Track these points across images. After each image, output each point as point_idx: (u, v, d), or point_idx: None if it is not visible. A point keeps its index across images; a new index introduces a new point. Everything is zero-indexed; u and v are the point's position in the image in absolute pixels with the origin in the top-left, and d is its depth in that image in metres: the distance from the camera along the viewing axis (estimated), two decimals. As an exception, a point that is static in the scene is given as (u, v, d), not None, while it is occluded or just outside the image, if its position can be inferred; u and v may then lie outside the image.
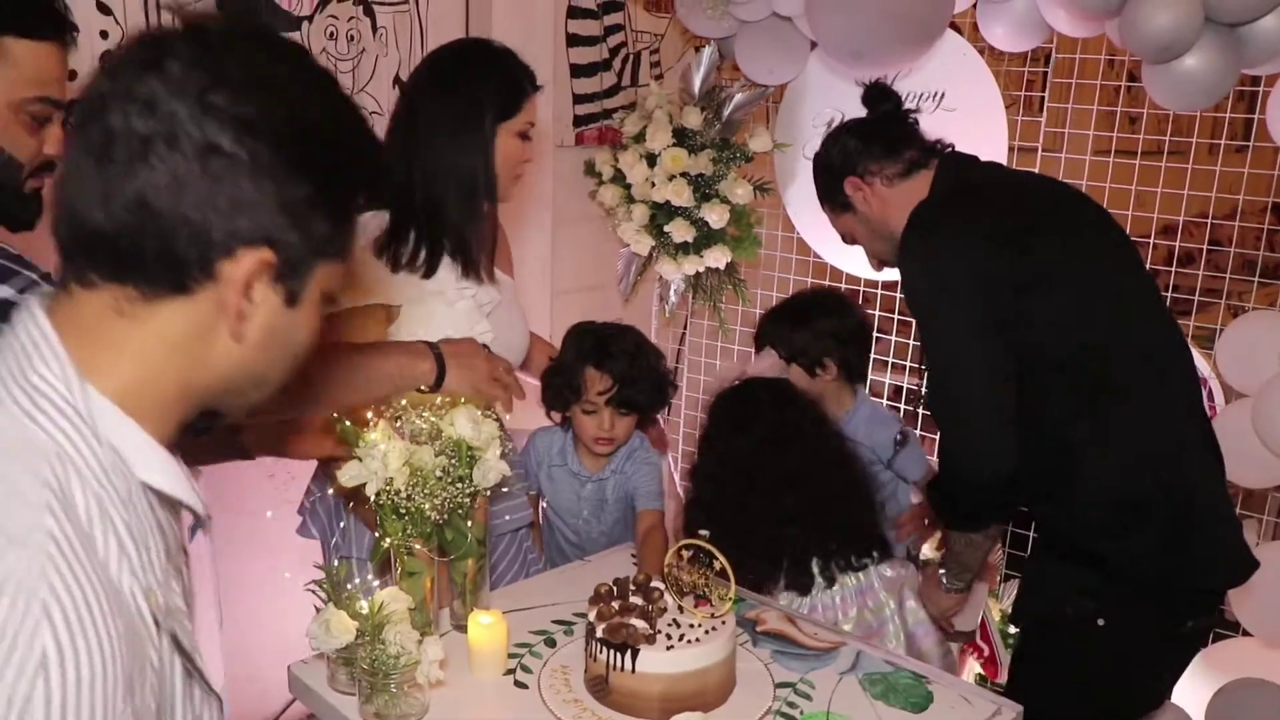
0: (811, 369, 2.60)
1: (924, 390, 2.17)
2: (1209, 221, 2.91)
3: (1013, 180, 2.21)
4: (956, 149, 2.20)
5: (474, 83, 2.06)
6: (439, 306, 2.06)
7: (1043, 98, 3.19)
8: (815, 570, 2.24)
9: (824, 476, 2.27)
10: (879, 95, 2.23)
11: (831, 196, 2.24)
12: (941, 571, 2.25)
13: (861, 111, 3.03)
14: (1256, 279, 2.89)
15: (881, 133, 2.17)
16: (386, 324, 2.04)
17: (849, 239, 2.31)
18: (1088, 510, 1.95)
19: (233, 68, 0.87)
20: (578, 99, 3.58)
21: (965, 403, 1.96)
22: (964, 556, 2.17)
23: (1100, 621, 1.95)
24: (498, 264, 2.25)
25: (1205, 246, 2.85)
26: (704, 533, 1.72)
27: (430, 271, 2.06)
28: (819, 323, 2.63)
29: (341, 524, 2.18)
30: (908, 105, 2.24)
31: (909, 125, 2.20)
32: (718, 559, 1.71)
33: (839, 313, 2.69)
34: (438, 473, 1.72)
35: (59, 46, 1.47)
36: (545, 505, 2.70)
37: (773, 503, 2.22)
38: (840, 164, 2.19)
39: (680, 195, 3.26)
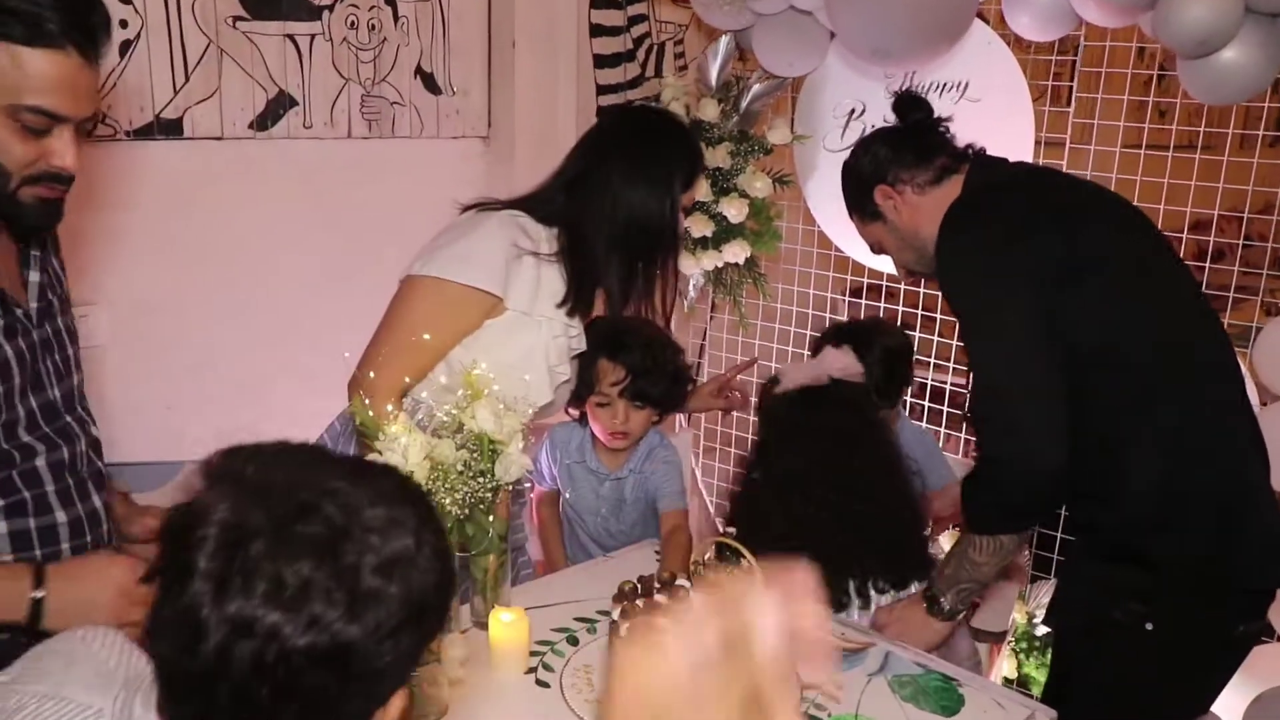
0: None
1: (970, 391, 2.08)
2: (1243, 216, 2.85)
3: (1044, 175, 2.18)
4: (986, 152, 2.17)
5: (671, 145, 2.19)
6: (530, 333, 2.09)
7: (1070, 88, 3.14)
8: (852, 589, 2.14)
9: (884, 489, 2.18)
10: (911, 104, 2.21)
11: (861, 205, 2.23)
12: (935, 594, 2.08)
13: (883, 100, 3.02)
14: (1265, 271, 2.83)
15: (912, 141, 2.15)
16: (485, 318, 2.06)
17: (877, 248, 2.28)
18: (1135, 506, 1.89)
19: None
20: (601, 90, 3.54)
21: (1019, 397, 1.89)
22: (981, 570, 2.02)
23: (1149, 625, 1.89)
24: None
25: (1240, 241, 2.79)
26: (731, 530, 1.68)
27: (565, 301, 2.11)
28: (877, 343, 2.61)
29: None
30: (939, 114, 2.21)
31: (940, 133, 2.18)
32: (745, 557, 1.67)
33: (889, 333, 2.71)
34: (459, 466, 1.68)
35: (70, 57, 1.38)
36: (565, 501, 2.69)
37: (835, 508, 2.12)
38: (870, 172, 2.17)
39: (699, 190, 3.21)
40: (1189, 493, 1.87)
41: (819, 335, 2.73)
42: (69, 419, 1.62)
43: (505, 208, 2.14)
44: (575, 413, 2.51)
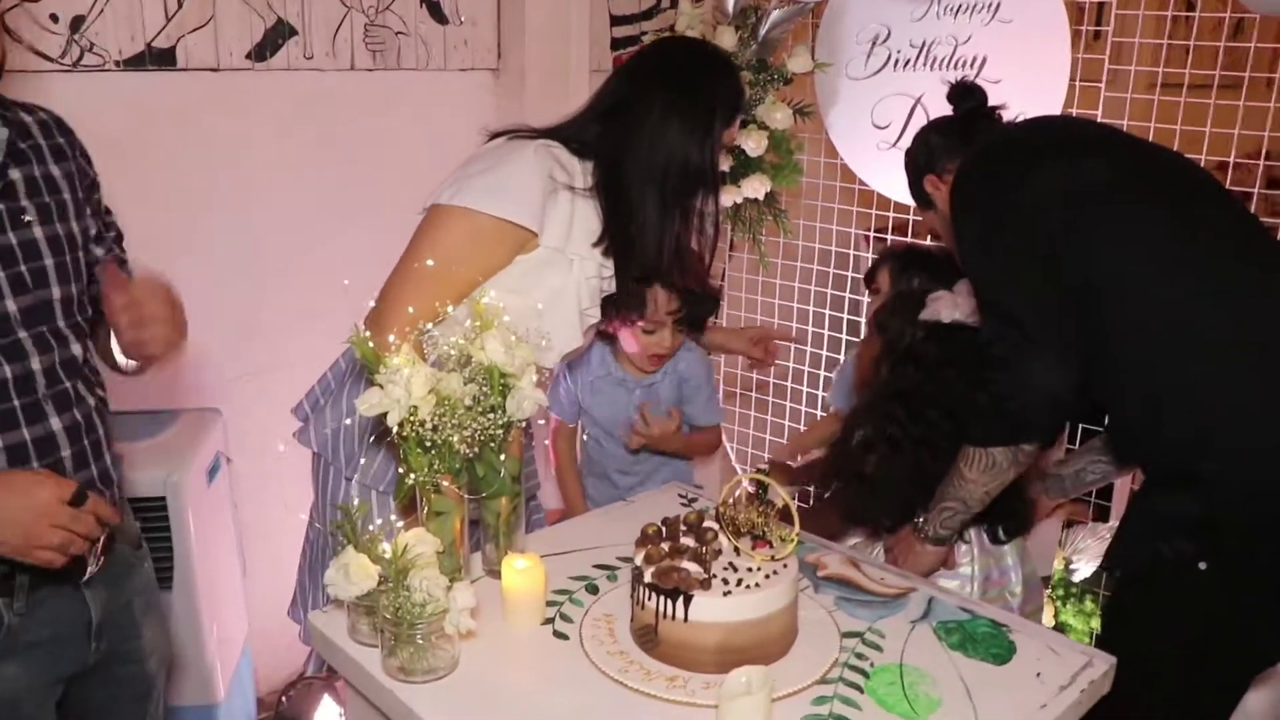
0: None
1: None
2: (1261, 163, 2.70)
3: (1049, 119, 2.19)
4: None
5: (711, 85, 2.05)
6: (562, 272, 1.98)
7: (1101, 31, 2.96)
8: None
9: None
10: (964, 93, 2.21)
11: (917, 194, 2.26)
12: (924, 520, 2.10)
13: (908, 24, 2.91)
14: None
15: (964, 130, 2.16)
16: (516, 253, 1.93)
17: (934, 235, 2.32)
18: (1176, 423, 1.79)
19: None
20: (615, 20, 3.40)
21: (1029, 316, 1.86)
22: (968, 488, 2.00)
23: (1202, 565, 1.77)
24: None
25: (1256, 191, 2.65)
26: (764, 465, 1.56)
27: (601, 240, 2.00)
28: None
29: (352, 446, 2.05)
30: (994, 103, 2.20)
31: (993, 122, 2.18)
32: (781, 495, 1.55)
33: None
34: (467, 401, 1.55)
35: None
36: (587, 426, 2.72)
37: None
38: (923, 162, 2.21)
39: (738, 128, 3.07)
40: (1238, 408, 1.75)
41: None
42: (23, 334, 1.50)
43: (538, 137, 2.01)
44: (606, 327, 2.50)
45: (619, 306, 2.26)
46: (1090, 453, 2.34)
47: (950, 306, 2.20)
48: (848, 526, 2.31)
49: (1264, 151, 2.75)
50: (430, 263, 1.82)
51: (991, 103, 2.19)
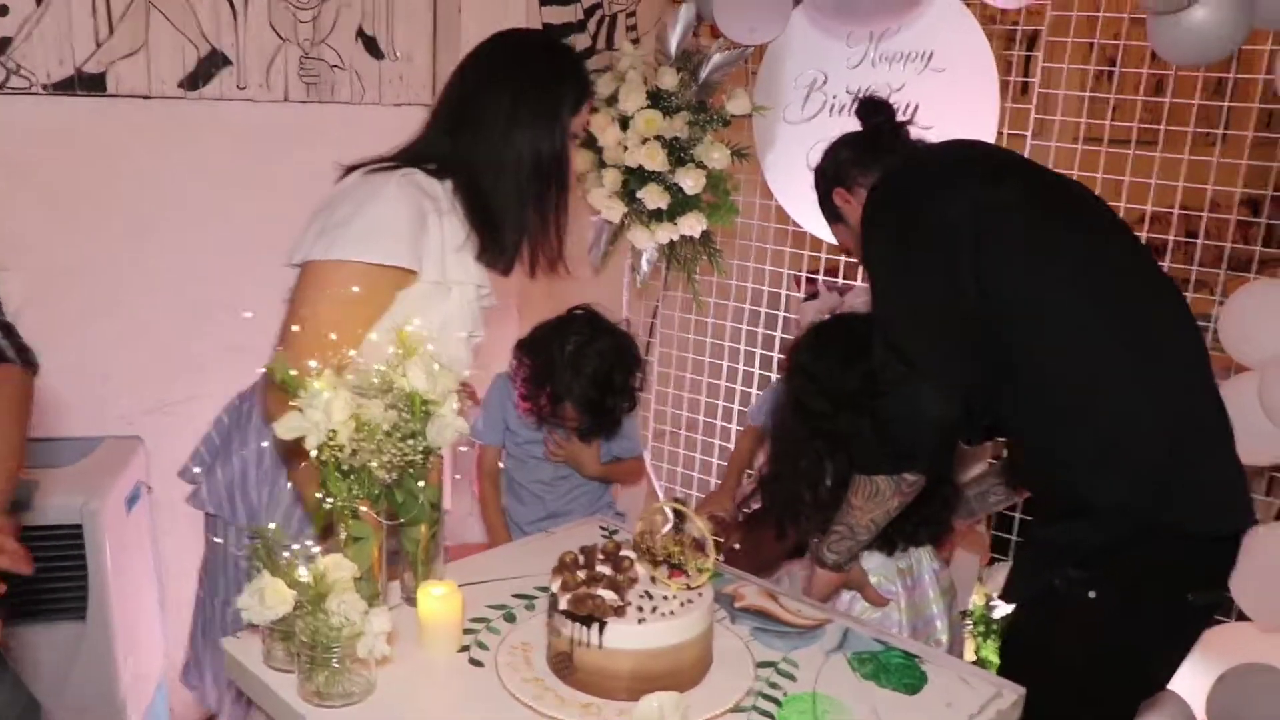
0: None
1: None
2: (1202, 213, 2.80)
3: (965, 143, 2.18)
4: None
5: (553, 74, 2.00)
6: (443, 302, 1.93)
7: (1027, 83, 3.05)
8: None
9: None
10: (872, 108, 2.23)
11: (826, 207, 2.26)
12: (816, 544, 2.13)
13: (845, 71, 2.96)
14: (1224, 269, 2.77)
15: (872, 144, 2.18)
16: (396, 291, 1.87)
17: (845, 249, 2.32)
18: (1075, 453, 1.83)
19: None
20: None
21: (920, 342, 1.87)
22: (855, 514, 2.01)
23: (1092, 594, 1.82)
24: None
25: (1200, 240, 2.75)
26: (679, 496, 1.57)
27: (476, 256, 1.97)
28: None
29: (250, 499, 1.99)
30: (901, 117, 2.23)
31: (899, 137, 2.19)
32: (696, 524, 1.56)
33: None
34: (386, 427, 1.55)
35: None
36: (509, 448, 2.78)
37: None
38: (832, 176, 2.21)
39: (654, 159, 3.11)
40: (1136, 436, 1.80)
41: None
42: None
43: (393, 164, 1.94)
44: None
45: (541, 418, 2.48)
46: (993, 475, 2.39)
47: (812, 308, 2.28)
48: (793, 556, 2.33)
49: (1178, 203, 2.84)
50: (327, 328, 1.74)
51: (899, 119, 2.22)
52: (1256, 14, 2.19)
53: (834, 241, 3.12)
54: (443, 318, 1.91)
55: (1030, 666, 1.86)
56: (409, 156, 1.97)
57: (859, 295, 2.50)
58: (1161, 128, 2.79)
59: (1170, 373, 1.84)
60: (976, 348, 1.85)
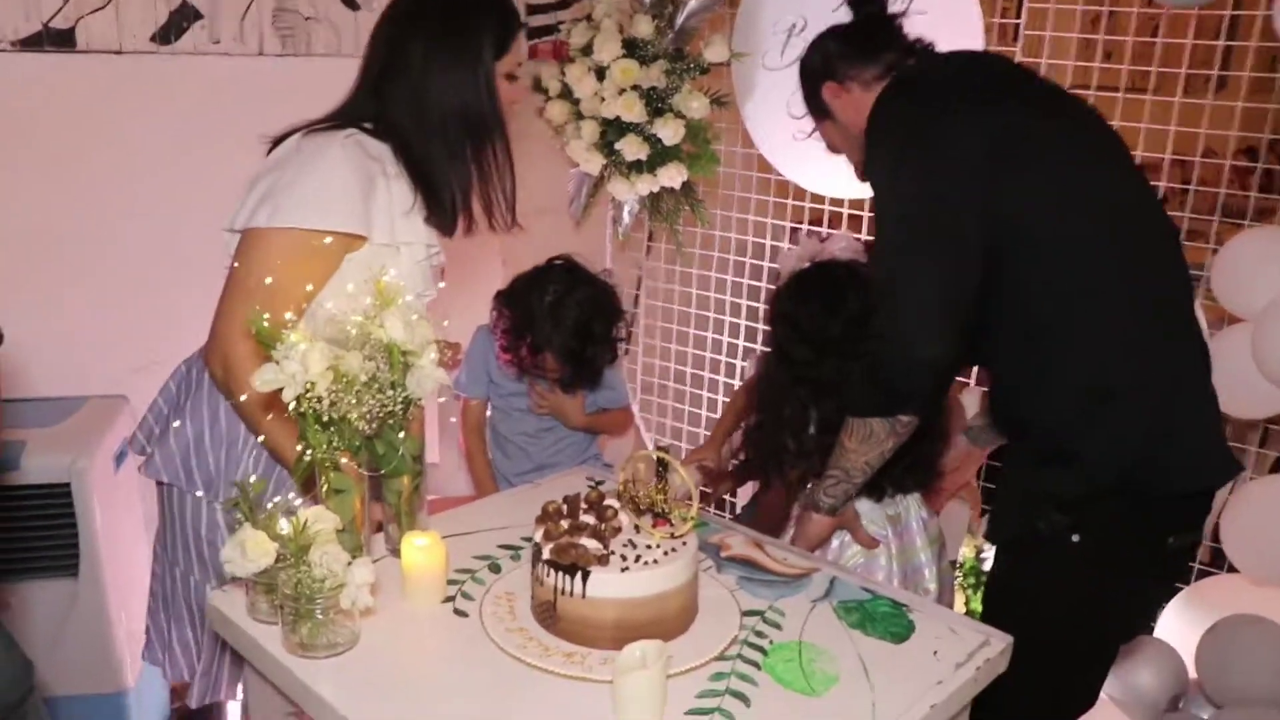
0: None
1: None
2: (1194, 160, 2.77)
3: (984, 57, 2.12)
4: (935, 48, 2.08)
5: (469, 18, 1.89)
6: (393, 264, 1.86)
7: (1017, 25, 3.01)
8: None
9: None
10: None
11: (813, 103, 2.16)
12: (810, 489, 2.10)
13: (826, 14, 2.89)
14: (1217, 218, 2.76)
15: (862, 36, 2.09)
16: (345, 254, 1.83)
17: (832, 148, 2.22)
18: (1065, 400, 1.82)
19: None
20: (530, 9, 3.38)
21: (917, 274, 1.82)
22: (849, 458, 1.97)
23: (1075, 537, 1.83)
24: None
25: (1193, 186, 2.72)
26: (664, 445, 1.57)
27: (424, 217, 1.91)
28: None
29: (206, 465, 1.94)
30: (893, 8, 2.14)
31: (892, 28, 2.09)
32: (679, 473, 1.55)
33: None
34: (364, 378, 1.54)
35: None
36: (493, 400, 2.78)
37: None
38: (820, 69, 2.10)
39: (631, 110, 3.07)
40: (1117, 385, 1.79)
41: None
42: None
43: (330, 126, 1.88)
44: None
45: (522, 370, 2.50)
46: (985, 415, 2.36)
47: (793, 257, 2.25)
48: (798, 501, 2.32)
49: (1169, 150, 2.81)
50: (274, 293, 1.70)
51: (891, 10, 2.14)
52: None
53: (817, 191, 3.14)
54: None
55: (1013, 608, 1.90)
56: (342, 118, 1.91)
57: (839, 242, 2.46)
58: (1154, 69, 2.76)
59: (1163, 326, 1.85)
60: (975, 280, 1.81)
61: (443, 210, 1.92)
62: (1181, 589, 2.67)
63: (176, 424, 1.96)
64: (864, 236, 3.14)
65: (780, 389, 2.24)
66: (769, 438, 2.27)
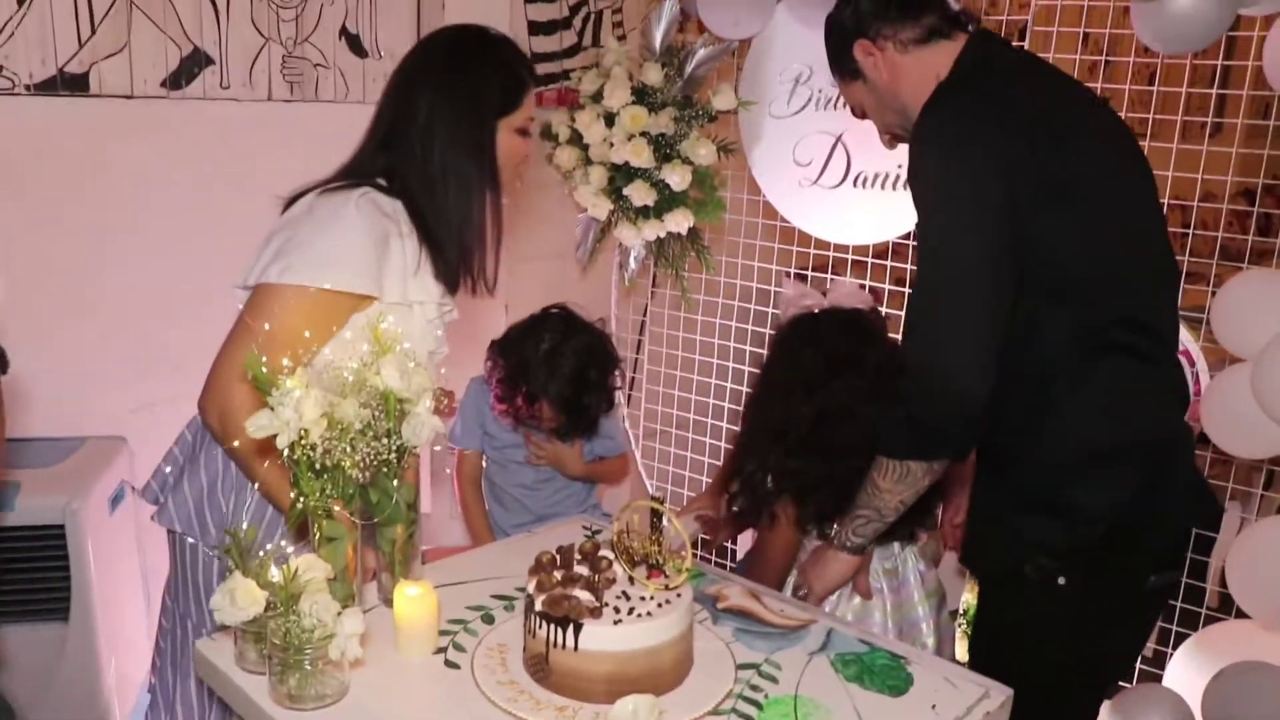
0: None
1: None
2: (1192, 205, 2.78)
3: (1047, 72, 1.98)
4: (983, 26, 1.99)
5: (473, 74, 1.91)
6: (404, 320, 1.87)
7: None
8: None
9: None
10: None
11: (841, 62, 2.05)
12: (837, 529, 2.03)
13: (829, 73, 2.87)
14: (1215, 260, 2.76)
15: None
16: (353, 312, 1.83)
17: (858, 111, 2.12)
18: (1061, 451, 1.81)
19: None
20: (536, 58, 3.41)
21: (959, 307, 1.76)
22: (883, 498, 1.92)
23: (1061, 580, 1.83)
24: None
25: (1190, 230, 2.73)
26: (657, 495, 1.55)
27: (439, 275, 1.91)
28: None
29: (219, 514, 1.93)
30: None
31: None
32: (672, 524, 1.54)
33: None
34: (358, 425, 1.53)
35: None
36: (488, 453, 2.77)
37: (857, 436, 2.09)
38: (852, 26, 1.99)
39: (640, 156, 3.09)
40: (1116, 443, 1.79)
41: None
42: None
43: (345, 184, 1.88)
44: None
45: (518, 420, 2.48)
46: None
47: (795, 304, 2.27)
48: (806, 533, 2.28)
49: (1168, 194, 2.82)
50: (279, 348, 1.65)
51: None
52: (1240, -1, 2.17)
53: (823, 237, 3.14)
54: (404, 335, 1.83)
55: (1002, 649, 1.93)
56: (354, 174, 1.91)
57: (843, 288, 2.44)
58: (1150, 116, 2.77)
59: (1161, 378, 1.86)
60: (1009, 317, 1.76)
61: (449, 267, 1.91)
62: (1189, 635, 2.65)
63: (169, 468, 1.96)
64: (868, 282, 3.14)
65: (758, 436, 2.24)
66: (756, 477, 2.26)
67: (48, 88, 2.65)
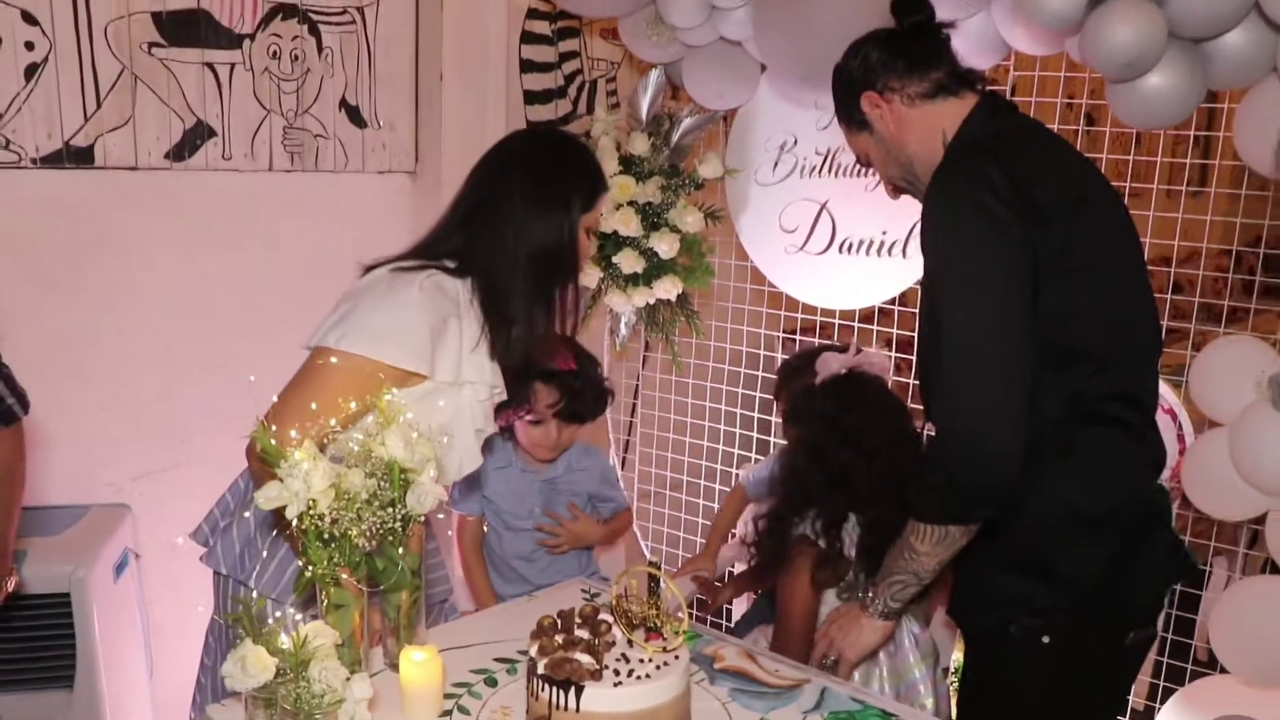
0: None
1: (917, 357, 2.01)
2: (1170, 266, 2.86)
3: (1059, 148, 2.00)
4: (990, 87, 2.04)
5: (564, 170, 2.05)
6: (453, 398, 1.97)
7: None
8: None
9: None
10: (910, 4, 2.01)
11: (848, 113, 2.07)
12: (872, 595, 2.01)
13: (814, 132, 2.96)
14: (1193, 323, 2.83)
15: (908, 47, 1.98)
16: (398, 386, 1.88)
17: (864, 160, 2.14)
18: (1046, 518, 1.86)
19: None
20: (531, 126, 3.49)
21: (989, 367, 1.77)
22: (921, 561, 1.90)
23: (1045, 639, 1.88)
24: None
25: (1170, 273, 2.80)
26: (653, 560, 1.60)
27: (495, 354, 2.01)
28: None
29: (259, 558, 2.02)
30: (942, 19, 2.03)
31: (941, 42, 2.00)
32: (669, 587, 1.59)
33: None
34: (365, 495, 1.59)
35: None
36: (487, 519, 2.75)
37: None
38: (860, 77, 2.01)
39: (628, 224, 3.15)
40: (1099, 512, 1.85)
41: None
42: None
43: (415, 264, 1.98)
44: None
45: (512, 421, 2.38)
46: None
47: (836, 361, 2.30)
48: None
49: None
50: (326, 411, 1.79)
51: (939, 19, 2.02)
52: (1210, 77, 2.26)
53: (810, 302, 3.21)
54: (452, 414, 1.96)
55: (988, 705, 1.99)
56: (427, 252, 2.03)
57: (873, 358, 2.46)
58: (1127, 184, 2.85)
59: (1142, 451, 1.92)
60: (1033, 369, 1.78)
61: (509, 346, 2.02)
62: (1176, 690, 2.70)
63: (219, 511, 2.08)
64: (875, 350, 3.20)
65: (811, 488, 2.26)
66: (787, 526, 2.28)
67: (53, 161, 2.72)
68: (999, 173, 1.80)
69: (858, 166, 2.97)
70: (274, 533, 1.98)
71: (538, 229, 1.99)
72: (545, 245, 1.99)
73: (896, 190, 2.12)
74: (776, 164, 3.21)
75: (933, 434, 1.90)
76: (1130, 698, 2.32)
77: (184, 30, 2.83)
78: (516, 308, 2.00)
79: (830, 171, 3.11)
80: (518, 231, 1.98)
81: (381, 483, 1.62)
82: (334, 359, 1.85)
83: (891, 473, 2.17)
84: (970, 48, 2.61)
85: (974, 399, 1.78)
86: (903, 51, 1.97)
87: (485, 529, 2.79)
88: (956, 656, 2.87)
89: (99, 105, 2.75)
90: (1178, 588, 2.72)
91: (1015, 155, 1.85)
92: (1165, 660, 2.78)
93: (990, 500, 1.82)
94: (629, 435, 3.77)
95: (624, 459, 3.70)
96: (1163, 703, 2.72)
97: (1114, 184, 2.01)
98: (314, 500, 1.54)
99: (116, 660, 2.62)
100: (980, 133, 1.91)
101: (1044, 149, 1.94)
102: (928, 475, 1.87)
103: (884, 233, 2.97)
